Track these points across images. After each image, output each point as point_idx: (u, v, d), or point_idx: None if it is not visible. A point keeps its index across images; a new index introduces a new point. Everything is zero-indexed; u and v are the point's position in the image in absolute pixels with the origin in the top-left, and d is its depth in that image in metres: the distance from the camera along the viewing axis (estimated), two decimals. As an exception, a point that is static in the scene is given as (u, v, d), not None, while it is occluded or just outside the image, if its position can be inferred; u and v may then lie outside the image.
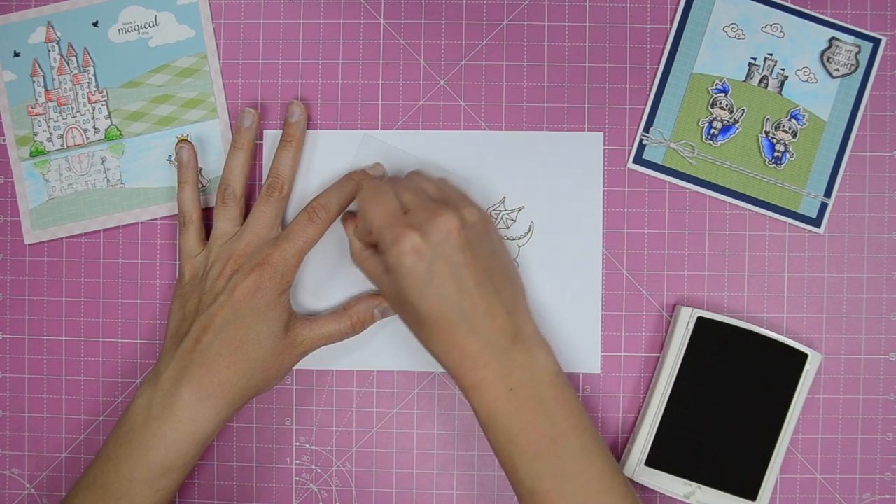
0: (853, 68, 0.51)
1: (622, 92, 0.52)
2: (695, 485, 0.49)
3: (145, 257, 0.52)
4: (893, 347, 0.51)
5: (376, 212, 0.44)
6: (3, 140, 0.53)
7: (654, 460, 0.49)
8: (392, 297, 0.45)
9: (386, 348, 0.52)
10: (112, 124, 0.52)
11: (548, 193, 0.52)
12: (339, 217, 0.50)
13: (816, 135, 0.51)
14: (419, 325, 0.44)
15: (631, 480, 0.50)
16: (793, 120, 0.51)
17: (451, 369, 0.44)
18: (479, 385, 0.43)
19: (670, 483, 0.49)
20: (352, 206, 0.50)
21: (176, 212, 0.52)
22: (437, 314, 0.42)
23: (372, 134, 0.52)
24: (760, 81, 0.52)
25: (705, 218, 0.52)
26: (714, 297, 0.52)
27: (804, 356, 0.49)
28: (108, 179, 0.52)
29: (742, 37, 0.52)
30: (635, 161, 0.52)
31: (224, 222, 0.49)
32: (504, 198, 0.52)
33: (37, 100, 0.52)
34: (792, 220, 0.51)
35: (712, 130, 0.51)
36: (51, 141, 0.52)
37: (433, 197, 0.46)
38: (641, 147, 0.52)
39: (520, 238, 0.52)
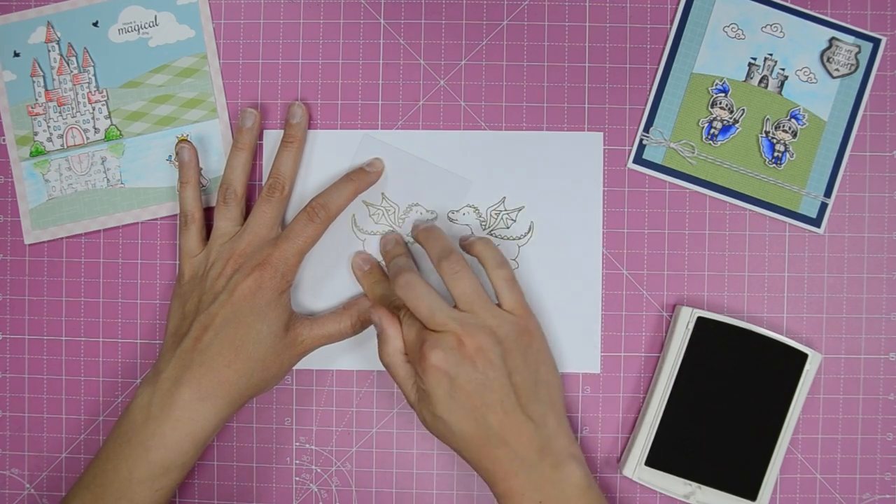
0: (853, 68, 0.51)
1: (622, 92, 0.52)
2: (695, 485, 0.49)
3: (145, 257, 0.52)
4: (893, 347, 0.51)
5: (405, 332, 0.46)
6: (3, 140, 0.53)
7: (654, 460, 0.49)
8: (425, 407, 0.45)
9: (386, 348, 0.52)
10: (112, 124, 0.52)
11: (548, 193, 0.52)
12: (360, 269, 0.50)
13: (816, 135, 0.51)
14: (451, 437, 0.45)
15: (631, 480, 0.50)
16: (793, 120, 0.51)
17: (484, 476, 0.45)
18: (510, 495, 0.44)
19: (670, 483, 0.49)
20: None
21: (176, 212, 0.52)
22: (465, 428, 0.44)
23: (372, 134, 0.52)
24: (760, 81, 0.52)
25: (705, 218, 0.52)
26: (714, 297, 0.52)
27: (804, 356, 0.49)
28: (108, 179, 0.52)
29: (742, 37, 0.52)
30: (635, 161, 0.52)
31: (225, 222, 0.49)
32: (504, 198, 0.52)
33: (37, 100, 0.52)
34: (792, 220, 0.51)
35: (712, 130, 0.51)
36: (51, 141, 0.52)
37: (459, 302, 0.45)
38: (641, 147, 0.52)
39: (520, 238, 0.52)
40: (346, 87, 0.52)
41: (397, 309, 0.47)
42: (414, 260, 0.51)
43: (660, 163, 0.52)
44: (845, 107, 0.51)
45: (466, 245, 0.49)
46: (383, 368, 0.52)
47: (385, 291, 0.49)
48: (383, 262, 0.51)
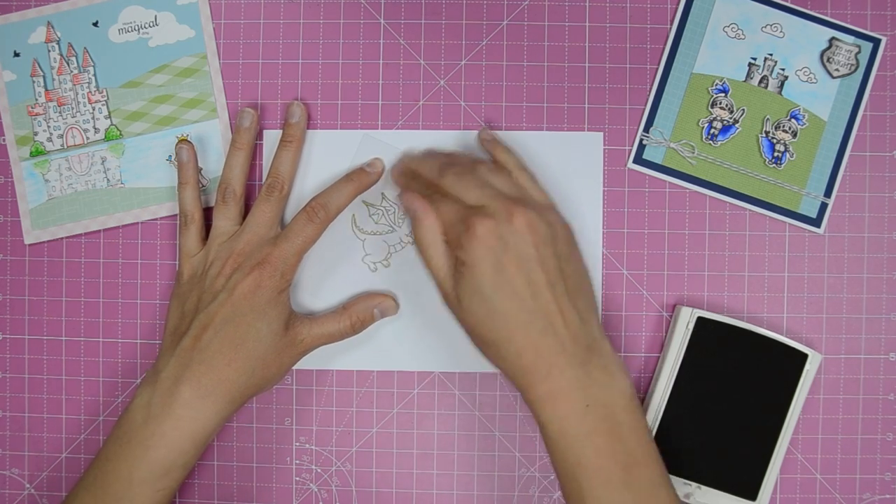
0: (853, 68, 0.51)
1: (622, 92, 0.52)
2: (695, 485, 0.49)
3: (145, 257, 0.52)
4: (893, 347, 0.51)
5: (444, 207, 0.43)
6: (3, 140, 0.53)
7: (654, 460, 0.49)
8: (461, 293, 0.43)
9: (386, 348, 0.52)
10: (112, 124, 0.52)
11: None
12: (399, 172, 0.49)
13: (816, 135, 0.51)
14: (492, 321, 0.41)
15: (631, 480, 0.50)
16: (793, 120, 0.51)
17: (523, 376, 0.41)
18: (553, 396, 0.40)
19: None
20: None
21: (176, 212, 0.52)
22: (510, 308, 0.41)
23: (372, 134, 0.52)
24: (760, 81, 0.52)
25: (705, 218, 0.52)
26: (714, 297, 0.52)
27: (804, 356, 0.49)
28: (108, 179, 0.52)
29: (742, 37, 0.52)
30: (635, 161, 0.52)
31: (224, 221, 0.49)
32: (504, 198, 0.52)
33: (37, 100, 0.52)
34: (792, 220, 0.51)
35: (712, 130, 0.51)
36: (51, 141, 0.52)
37: (504, 192, 0.44)
38: (641, 147, 0.52)
39: (520, 238, 0.52)
40: (346, 87, 0.52)
41: (430, 196, 0.45)
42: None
43: (660, 163, 0.52)
44: (845, 107, 0.51)
45: (488, 145, 0.48)
46: (383, 368, 0.52)
47: (420, 186, 0.47)
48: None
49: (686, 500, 0.49)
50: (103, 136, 0.52)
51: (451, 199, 0.44)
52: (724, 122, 0.51)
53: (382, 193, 0.52)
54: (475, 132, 0.52)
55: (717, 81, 0.52)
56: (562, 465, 0.41)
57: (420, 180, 0.47)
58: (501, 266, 0.41)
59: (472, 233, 0.41)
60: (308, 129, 0.52)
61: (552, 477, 0.51)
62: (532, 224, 0.42)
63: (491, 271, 0.41)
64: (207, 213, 0.51)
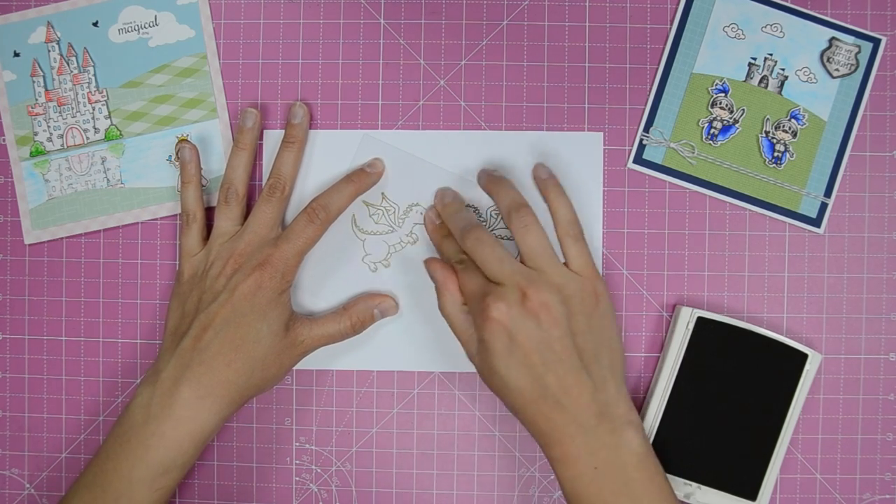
0: (853, 68, 0.51)
1: (622, 92, 0.52)
2: (695, 485, 0.49)
3: (145, 257, 0.52)
4: (893, 347, 0.51)
5: (467, 285, 0.45)
6: (3, 140, 0.53)
7: (654, 460, 0.49)
8: (483, 362, 0.45)
9: (386, 348, 0.52)
10: (112, 124, 0.52)
11: (548, 193, 0.52)
12: (432, 222, 0.50)
13: (816, 135, 0.51)
14: (507, 393, 0.44)
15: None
16: (793, 120, 0.51)
17: (539, 438, 0.44)
18: (565, 459, 0.43)
19: (670, 483, 0.49)
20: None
21: (176, 212, 0.52)
22: (522, 385, 0.43)
23: (372, 134, 0.52)
24: (760, 81, 0.52)
25: (705, 218, 0.52)
26: (714, 297, 0.52)
27: (804, 356, 0.49)
28: (108, 179, 0.52)
29: (742, 37, 0.52)
30: (635, 161, 0.52)
31: (225, 221, 0.49)
32: (504, 198, 0.52)
33: (37, 100, 0.52)
34: (792, 220, 0.51)
35: (712, 130, 0.52)
36: (51, 141, 0.52)
37: (526, 261, 0.45)
38: (641, 147, 0.52)
39: (520, 238, 0.52)
40: (346, 87, 0.52)
41: (458, 263, 0.47)
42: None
43: (660, 163, 0.52)
44: (845, 107, 0.51)
45: (541, 190, 0.48)
46: (383, 368, 0.52)
47: (452, 247, 0.49)
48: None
49: (686, 500, 0.49)
50: (103, 136, 0.52)
51: (474, 268, 0.46)
52: (724, 122, 0.51)
53: (382, 193, 0.52)
54: (475, 132, 0.52)
55: (717, 81, 0.52)
56: None
57: (452, 239, 0.49)
58: (514, 347, 0.43)
59: (485, 315, 0.43)
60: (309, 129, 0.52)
61: (552, 477, 0.51)
62: (546, 305, 0.43)
63: (504, 352, 0.43)
64: (209, 212, 0.51)
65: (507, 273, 0.44)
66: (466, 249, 0.46)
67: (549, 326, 0.43)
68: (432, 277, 0.48)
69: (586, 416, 0.43)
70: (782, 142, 0.51)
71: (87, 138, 0.52)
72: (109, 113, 0.52)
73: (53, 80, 0.52)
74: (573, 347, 0.43)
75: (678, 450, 0.49)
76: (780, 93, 0.51)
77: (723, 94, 0.52)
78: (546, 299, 0.43)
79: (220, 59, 0.52)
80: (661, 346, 0.51)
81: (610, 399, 0.44)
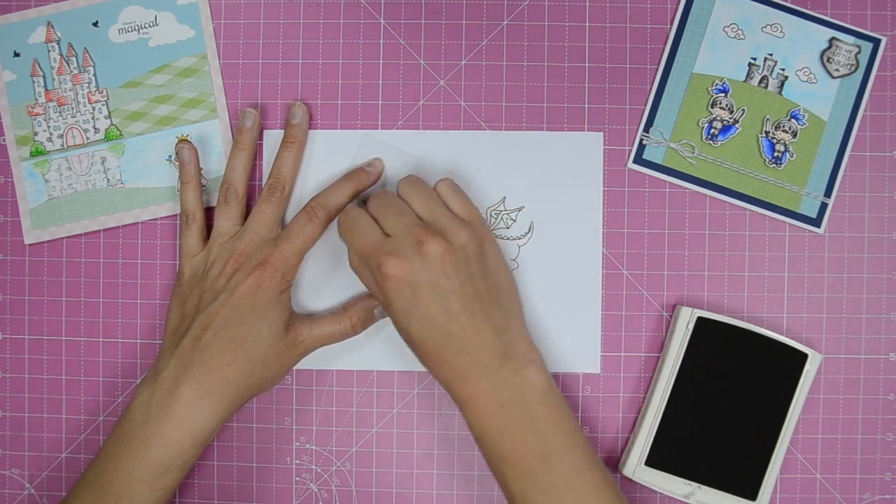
0: (853, 68, 0.51)
1: (622, 92, 0.52)
2: (695, 485, 0.49)
3: (145, 257, 0.52)
4: (893, 347, 0.51)
5: (358, 241, 0.45)
6: (3, 140, 0.53)
7: (654, 460, 0.49)
8: (391, 317, 0.45)
9: (386, 348, 0.52)
10: (112, 124, 0.52)
11: (548, 193, 0.52)
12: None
13: (816, 135, 0.51)
14: (410, 343, 0.45)
15: (631, 480, 0.50)
16: (793, 120, 0.51)
17: (445, 384, 0.44)
18: (471, 400, 0.43)
19: (670, 483, 0.49)
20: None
21: (176, 212, 0.52)
22: (425, 336, 0.43)
23: (371, 134, 0.52)
24: (760, 81, 0.52)
25: (705, 218, 0.52)
26: (714, 297, 0.52)
27: (804, 356, 0.49)
28: (108, 179, 0.52)
29: (742, 37, 0.52)
30: (635, 161, 0.52)
31: (225, 221, 0.49)
32: (504, 198, 0.52)
33: (37, 100, 0.52)
34: (792, 220, 0.51)
35: (712, 130, 0.52)
36: (51, 141, 0.52)
37: (421, 216, 0.46)
38: (641, 147, 0.52)
39: (520, 238, 0.52)
40: (346, 87, 0.52)
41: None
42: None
43: (660, 163, 0.52)
44: (845, 107, 0.51)
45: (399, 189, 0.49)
46: (383, 368, 0.52)
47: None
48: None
49: (686, 500, 0.49)
50: (103, 136, 0.52)
51: (368, 221, 0.46)
52: (724, 122, 0.51)
53: (382, 193, 0.52)
54: (475, 132, 0.52)
55: (717, 81, 0.52)
56: (488, 460, 0.44)
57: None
58: (416, 300, 0.43)
59: (382, 273, 0.43)
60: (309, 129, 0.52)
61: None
62: (442, 254, 0.43)
63: (405, 307, 0.43)
64: (208, 212, 0.51)
65: (404, 223, 0.44)
66: (370, 208, 0.46)
67: (449, 273, 0.43)
68: (341, 237, 0.47)
69: (489, 359, 0.43)
70: (782, 142, 0.51)
71: (87, 138, 0.52)
72: (109, 113, 0.52)
73: (53, 80, 0.52)
74: (474, 293, 0.44)
75: (678, 450, 0.49)
76: (780, 93, 0.51)
77: (723, 94, 0.52)
78: (442, 247, 0.43)
79: (220, 59, 0.52)
80: (661, 346, 0.51)
81: (513, 340, 0.44)
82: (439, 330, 0.43)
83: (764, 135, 0.51)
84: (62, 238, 0.52)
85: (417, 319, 0.43)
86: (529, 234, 0.52)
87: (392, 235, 0.44)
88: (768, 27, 0.52)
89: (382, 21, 0.52)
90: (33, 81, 0.52)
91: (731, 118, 0.51)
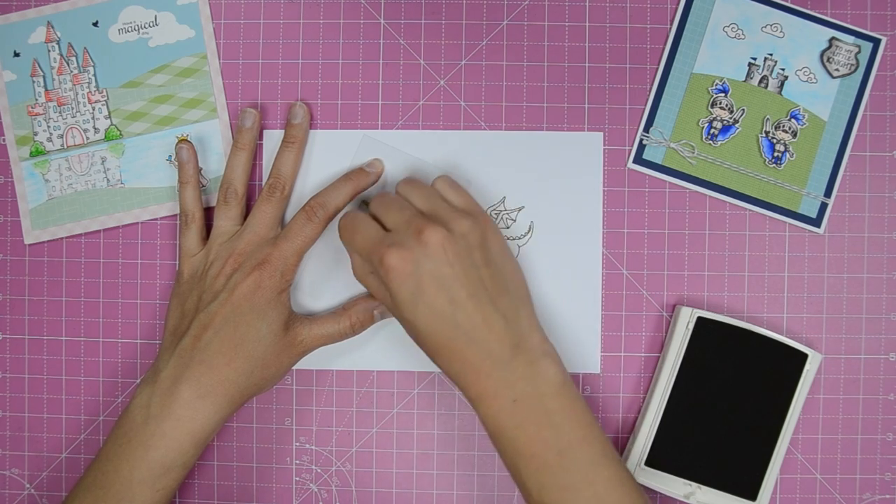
0: (853, 68, 0.51)
1: (622, 92, 0.52)
2: (695, 485, 0.49)
3: (145, 257, 0.52)
4: (893, 347, 0.51)
5: (359, 241, 0.45)
6: (3, 140, 0.53)
7: (654, 460, 0.49)
8: (394, 312, 0.45)
9: (386, 348, 0.52)
10: (112, 124, 0.52)
11: (548, 193, 0.52)
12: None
13: (816, 135, 0.51)
14: (419, 339, 0.44)
15: (631, 480, 0.50)
16: (793, 120, 0.51)
17: (456, 380, 0.43)
18: (483, 396, 0.42)
19: (670, 483, 0.49)
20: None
21: (176, 212, 0.52)
22: (433, 328, 0.42)
23: (371, 134, 0.52)
24: (760, 81, 0.52)
25: (705, 218, 0.52)
26: (714, 297, 0.52)
27: (804, 356, 0.49)
28: (108, 179, 0.52)
29: (742, 37, 0.52)
30: (635, 161, 0.52)
31: (225, 221, 0.49)
32: (504, 198, 0.52)
33: (37, 100, 0.52)
34: (792, 220, 0.51)
35: (712, 130, 0.52)
36: (51, 141, 0.52)
37: (421, 210, 0.45)
38: (641, 147, 0.52)
39: (520, 238, 0.52)
40: (346, 87, 0.52)
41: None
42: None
43: (660, 163, 0.52)
44: (845, 107, 0.51)
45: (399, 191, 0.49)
46: (383, 368, 0.52)
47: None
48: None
49: (686, 501, 0.49)
50: (103, 136, 0.52)
51: (369, 221, 0.46)
52: (724, 122, 0.51)
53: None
54: (475, 132, 0.52)
55: (717, 81, 0.52)
56: (503, 455, 0.43)
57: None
58: (420, 291, 0.42)
59: (385, 266, 0.42)
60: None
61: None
62: (444, 242, 0.42)
63: (410, 298, 0.42)
64: (208, 212, 0.51)
65: (405, 217, 0.44)
66: (371, 208, 0.46)
67: (452, 262, 0.42)
68: (343, 244, 0.47)
69: (501, 350, 0.42)
70: (782, 142, 0.51)
71: (87, 138, 0.52)
72: (109, 113, 0.52)
73: (53, 80, 0.52)
74: (479, 281, 0.43)
75: (678, 450, 0.49)
76: (780, 93, 0.51)
77: (723, 94, 0.52)
78: (443, 236, 0.42)
79: (220, 59, 0.52)
80: (661, 346, 0.51)
81: (523, 330, 0.43)
82: (447, 321, 0.42)
83: (764, 135, 0.51)
84: (62, 238, 0.52)
85: (424, 311, 0.42)
86: (529, 234, 0.52)
87: (392, 230, 0.44)
88: (768, 27, 0.52)
89: (382, 21, 0.52)
90: (33, 81, 0.52)
91: (731, 118, 0.51)
